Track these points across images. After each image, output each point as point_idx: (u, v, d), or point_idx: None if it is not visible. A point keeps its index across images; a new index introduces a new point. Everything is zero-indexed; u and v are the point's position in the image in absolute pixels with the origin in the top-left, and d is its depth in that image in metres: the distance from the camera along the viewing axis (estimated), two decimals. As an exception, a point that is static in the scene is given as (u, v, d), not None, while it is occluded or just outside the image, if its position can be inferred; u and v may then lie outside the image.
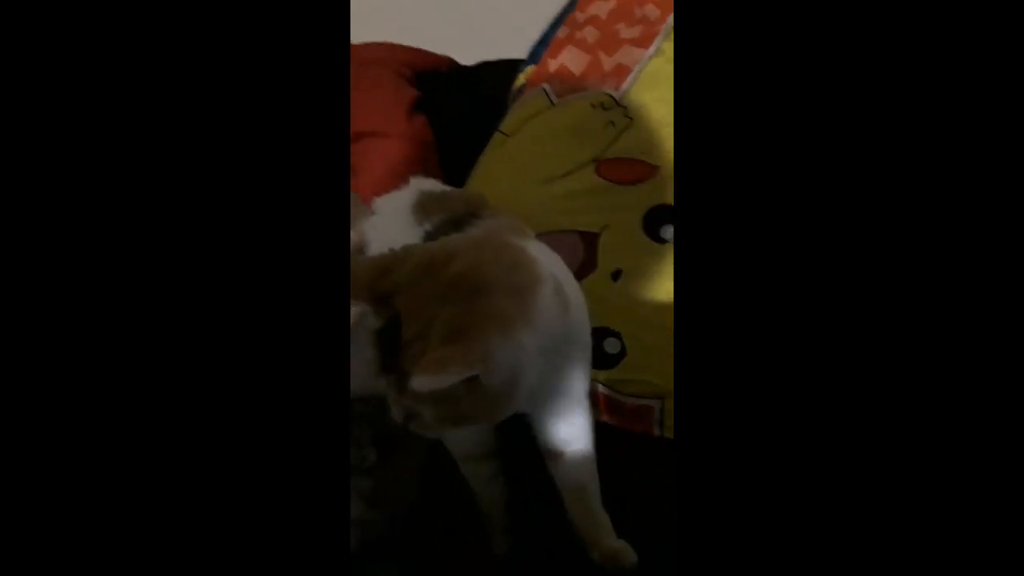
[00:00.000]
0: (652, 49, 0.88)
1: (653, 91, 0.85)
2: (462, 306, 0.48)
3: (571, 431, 0.61)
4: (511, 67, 1.06)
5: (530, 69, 1.01)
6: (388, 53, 1.11)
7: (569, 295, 0.57)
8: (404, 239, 0.60)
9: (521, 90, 0.99)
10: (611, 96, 0.87)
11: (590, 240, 0.78)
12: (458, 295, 0.48)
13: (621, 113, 0.85)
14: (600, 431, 0.65)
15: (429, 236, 0.61)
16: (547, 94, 0.93)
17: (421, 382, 0.46)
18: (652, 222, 0.77)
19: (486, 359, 0.46)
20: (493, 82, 1.07)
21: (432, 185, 0.72)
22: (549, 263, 0.57)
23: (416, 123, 1.00)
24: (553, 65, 0.95)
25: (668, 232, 0.76)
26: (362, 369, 0.64)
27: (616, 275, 0.76)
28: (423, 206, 0.65)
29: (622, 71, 0.89)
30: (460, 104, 1.08)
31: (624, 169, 0.81)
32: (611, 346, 0.73)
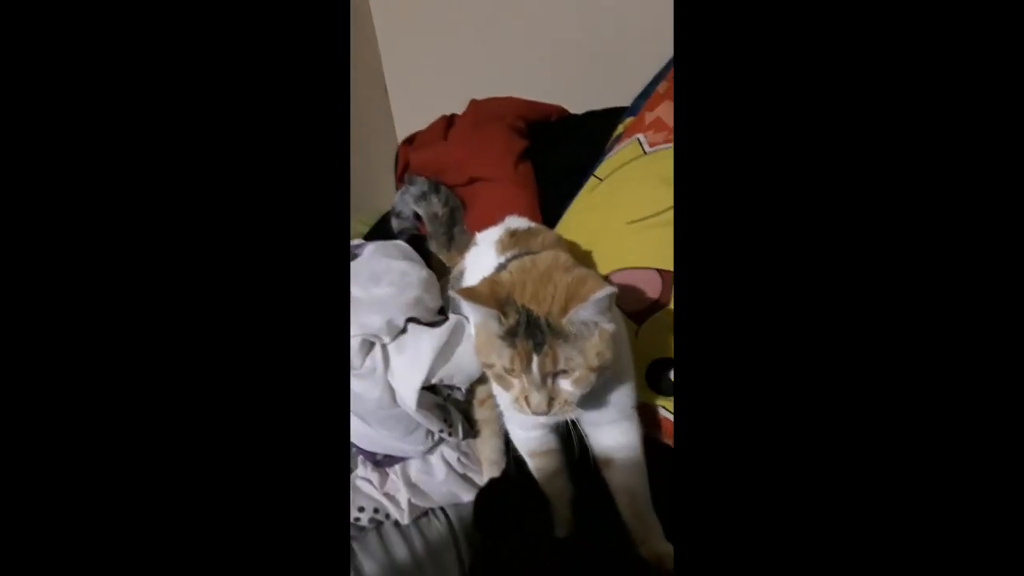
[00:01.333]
0: None
1: None
2: (569, 273, 0.61)
3: (621, 439, 0.69)
4: (613, 116, 1.16)
5: (629, 120, 1.10)
6: (504, 107, 1.26)
7: (618, 316, 0.66)
8: (488, 268, 0.74)
9: (619, 139, 1.08)
10: (699, 147, 0.93)
11: (667, 277, 0.84)
12: (561, 271, 0.62)
13: None
14: (662, 451, 0.72)
15: (501, 267, 0.73)
16: (641, 144, 1.01)
17: (581, 308, 0.57)
18: None
19: (611, 287, 0.58)
20: (594, 130, 1.17)
21: (519, 223, 0.86)
22: None
23: (522, 170, 1.14)
24: (649, 117, 1.03)
25: (742, 274, 0.80)
26: (465, 363, 0.78)
27: (687, 311, 0.81)
28: (504, 241, 0.80)
29: None
30: (563, 151, 1.20)
31: None
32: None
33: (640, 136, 1.02)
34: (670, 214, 0.88)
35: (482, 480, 0.82)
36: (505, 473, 0.80)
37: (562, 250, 0.75)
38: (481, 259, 0.81)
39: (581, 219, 1.00)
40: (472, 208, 1.10)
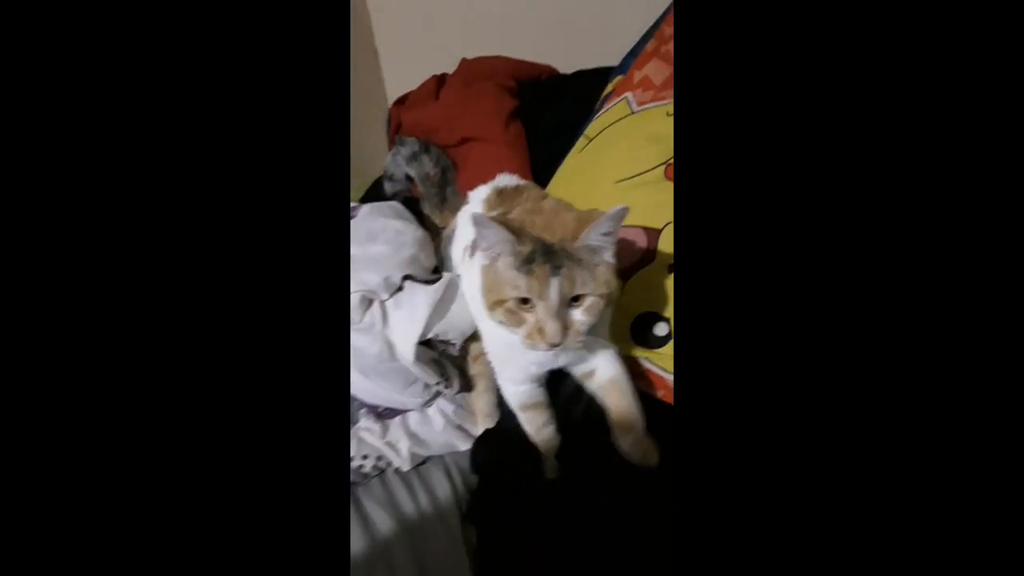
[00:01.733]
0: None
1: None
2: (574, 210, 0.68)
3: (600, 360, 0.74)
4: (602, 75, 1.17)
5: (618, 79, 1.10)
6: (495, 66, 1.26)
7: None
8: None
9: (608, 97, 1.09)
10: (685, 105, 0.94)
11: (653, 235, 0.86)
12: (566, 210, 0.68)
13: None
14: (653, 403, 0.76)
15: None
16: (629, 103, 1.02)
17: (596, 226, 0.62)
18: None
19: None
20: (584, 89, 1.18)
21: (508, 180, 0.87)
22: None
23: (512, 130, 1.15)
24: (638, 76, 1.04)
25: (724, 230, 0.83)
26: (459, 320, 0.82)
27: (671, 268, 0.84)
28: (491, 200, 0.82)
29: None
30: (554, 111, 1.21)
31: None
32: (661, 329, 0.82)
33: (629, 95, 1.03)
34: (657, 172, 0.90)
35: (477, 431, 0.86)
36: (499, 424, 0.85)
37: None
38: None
39: (571, 178, 1.02)
40: (464, 169, 1.12)
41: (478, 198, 0.86)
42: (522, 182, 0.88)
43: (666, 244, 0.86)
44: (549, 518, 0.67)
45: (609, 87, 1.12)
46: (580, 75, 1.27)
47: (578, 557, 0.63)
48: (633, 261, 0.86)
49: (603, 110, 1.07)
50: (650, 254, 0.86)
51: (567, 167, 1.05)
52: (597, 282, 0.63)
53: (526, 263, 0.61)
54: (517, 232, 0.63)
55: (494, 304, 0.65)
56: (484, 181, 0.92)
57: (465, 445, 0.85)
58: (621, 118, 1.01)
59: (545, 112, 1.20)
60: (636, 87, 1.03)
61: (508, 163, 1.09)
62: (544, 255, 0.61)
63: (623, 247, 0.87)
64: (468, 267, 0.78)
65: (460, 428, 0.87)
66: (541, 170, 1.11)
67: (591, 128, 1.05)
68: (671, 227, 0.86)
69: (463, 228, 0.85)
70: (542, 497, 0.71)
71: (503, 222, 0.63)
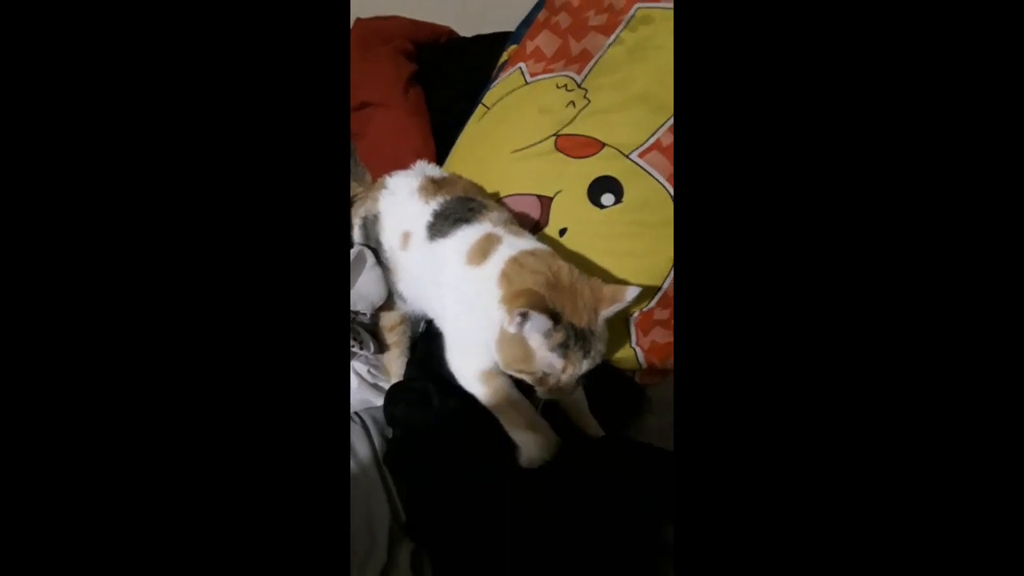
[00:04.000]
0: (612, 37, 1.00)
1: (608, 76, 0.97)
2: (584, 279, 0.74)
3: None
4: (501, 40, 1.20)
5: (512, 48, 1.15)
6: (391, 27, 1.25)
7: None
8: (417, 215, 0.86)
9: (504, 66, 1.14)
10: (572, 78, 1.00)
11: (545, 203, 0.94)
12: (578, 279, 0.74)
13: (581, 94, 0.98)
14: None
15: (438, 214, 0.85)
16: (523, 73, 1.07)
17: (617, 306, 0.72)
18: (595, 191, 0.92)
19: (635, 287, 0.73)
20: (483, 56, 1.21)
21: (432, 170, 0.95)
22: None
23: (412, 96, 1.16)
24: (531, 46, 1.09)
25: (607, 199, 0.92)
26: (366, 291, 0.88)
27: (563, 232, 0.93)
28: (427, 188, 0.89)
29: (585, 56, 1.01)
30: (453, 76, 1.23)
31: (578, 145, 0.95)
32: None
33: (522, 65, 1.08)
34: (548, 143, 0.97)
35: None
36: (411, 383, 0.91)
37: (480, 194, 0.90)
38: (403, 207, 0.90)
39: (472, 148, 1.07)
40: (363, 137, 1.12)
41: (406, 188, 0.91)
42: (447, 173, 0.95)
43: (557, 210, 0.94)
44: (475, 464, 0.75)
45: (504, 56, 1.16)
46: (480, 40, 1.29)
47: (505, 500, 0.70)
48: (529, 227, 0.94)
49: (499, 79, 1.11)
50: (544, 220, 0.94)
51: (467, 135, 1.09)
52: (605, 345, 0.72)
53: (562, 347, 0.69)
54: (551, 314, 0.68)
55: (519, 369, 0.73)
56: (387, 151, 0.95)
57: (379, 400, 0.92)
58: (516, 88, 1.06)
59: (445, 78, 1.22)
60: (529, 58, 1.08)
61: (410, 131, 1.12)
62: (576, 340, 0.69)
63: (519, 216, 0.95)
64: (409, 255, 0.87)
65: (375, 386, 0.94)
66: (442, 138, 1.14)
67: (488, 97, 1.10)
68: (562, 196, 0.94)
69: (393, 215, 0.91)
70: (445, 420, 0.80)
71: (535, 298, 0.68)
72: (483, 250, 0.78)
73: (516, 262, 0.75)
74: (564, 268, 0.74)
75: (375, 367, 0.96)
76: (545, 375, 0.72)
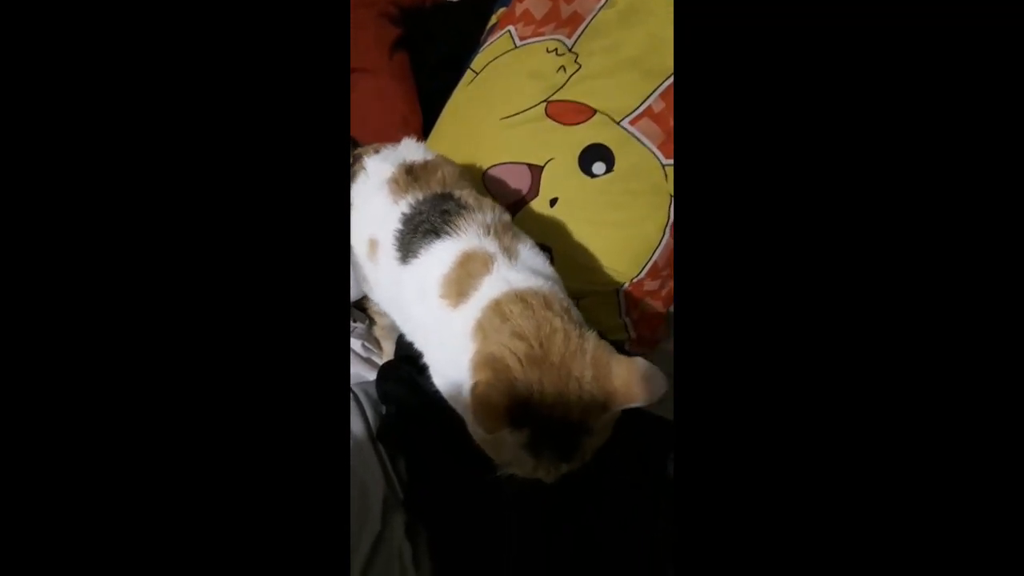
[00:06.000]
0: (603, 1, 0.98)
1: (599, 40, 0.95)
2: (585, 356, 0.54)
3: None
4: (490, 3, 1.17)
5: (501, 11, 1.11)
6: (376, -10, 1.21)
7: None
8: (383, 217, 0.72)
9: (492, 30, 1.10)
10: (563, 42, 0.98)
11: (536, 171, 0.92)
12: (578, 355, 0.54)
13: (571, 59, 0.96)
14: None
15: (407, 219, 0.69)
16: (512, 36, 1.04)
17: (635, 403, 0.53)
18: (586, 159, 0.90)
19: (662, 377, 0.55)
20: (471, 19, 1.17)
21: (414, 152, 0.80)
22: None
23: (397, 60, 1.13)
24: (520, 9, 1.05)
25: (599, 168, 0.90)
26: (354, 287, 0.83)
27: (553, 202, 0.91)
28: (400, 181, 0.73)
29: (576, 19, 0.98)
30: (440, 40, 1.19)
31: (569, 111, 0.93)
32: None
33: (511, 28, 1.05)
34: (538, 109, 0.95)
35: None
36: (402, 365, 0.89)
37: (465, 185, 0.74)
38: (370, 203, 0.75)
39: (460, 115, 1.04)
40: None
41: (380, 175, 0.76)
42: (430, 156, 0.80)
43: (548, 179, 0.92)
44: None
45: (493, 19, 1.12)
46: (467, 2, 1.25)
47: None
48: (519, 198, 0.93)
49: (487, 43, 1.08)
50: (534, 190, 0.93)
51: (455, 101, 1.07)
52: (601, 437, 0.55)
53: (530, 448, 0.53)
54: (516, 406, 0.51)
55: (486, 449, 0.58)
56: (372, 118, 0.91)
57: (372, 375, 0.91)
58: (504, 52, 1.03)
59: (431, 44, 1.19)
60: (518, 20, 1.05)
61: (396, 97, 1.09)
62: (554, 442, 0.52)
63: (508, 186, 0.93)
64: (378, 270, 0.74)
65: (368, 360, 0.94)
66: (430, 105, 1.11)
67: (477, 61, 1.07)
68: (552, 164, 0.93)
69: (360, 211, 0.76)
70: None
71: (499, 385, 0.51)
72: (460, 281, 0.61)
73: (499, 309, 0.56)
74: (560, 334, 0.54)
75: (368, 343, 0.95)
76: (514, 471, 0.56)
